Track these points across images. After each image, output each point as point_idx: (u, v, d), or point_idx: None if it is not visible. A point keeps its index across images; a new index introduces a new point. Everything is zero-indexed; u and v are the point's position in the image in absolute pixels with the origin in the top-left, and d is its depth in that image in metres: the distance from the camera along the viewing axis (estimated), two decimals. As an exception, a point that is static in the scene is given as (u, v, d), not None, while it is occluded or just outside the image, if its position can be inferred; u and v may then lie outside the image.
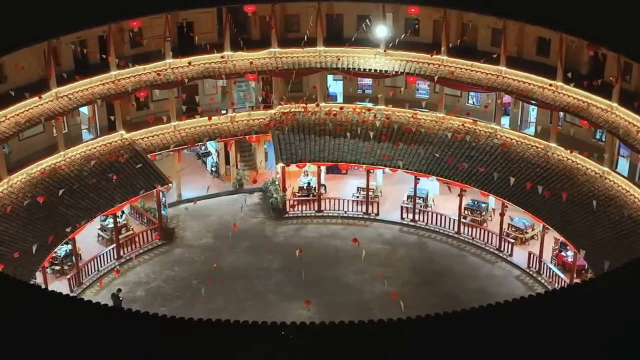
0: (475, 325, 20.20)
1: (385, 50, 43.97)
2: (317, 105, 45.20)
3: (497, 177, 39.37)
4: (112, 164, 40.90)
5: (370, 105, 45.47)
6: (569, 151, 39.65)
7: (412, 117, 44.19)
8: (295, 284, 39.24)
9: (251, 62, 43.91)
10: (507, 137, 42.25)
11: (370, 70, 43.79)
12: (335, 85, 47.71)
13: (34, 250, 34.05)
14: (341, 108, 45.18)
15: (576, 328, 19.82)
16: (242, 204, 44.88)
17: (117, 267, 39.92)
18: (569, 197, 37.97)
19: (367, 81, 46.40)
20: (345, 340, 19.69)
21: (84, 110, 43.87)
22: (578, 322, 20.12)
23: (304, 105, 45.08)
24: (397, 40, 44.19)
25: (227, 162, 47.45)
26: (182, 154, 46.73)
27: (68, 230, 36.80)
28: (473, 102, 45.04)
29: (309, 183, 45.26)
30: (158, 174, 41.42)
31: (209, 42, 44.03)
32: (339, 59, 44.30)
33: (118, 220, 42.10)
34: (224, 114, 44.93)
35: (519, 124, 43.76)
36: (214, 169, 48.04)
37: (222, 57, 43.85)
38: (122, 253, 41.07)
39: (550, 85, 39.85)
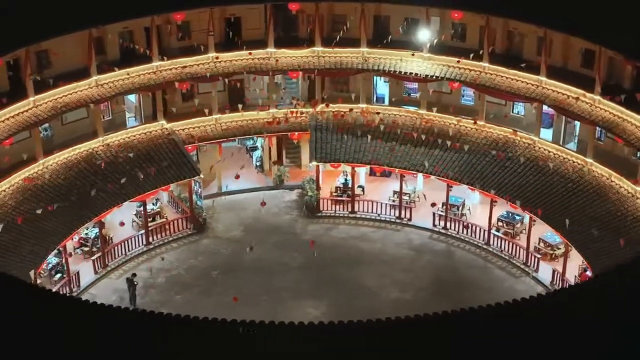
0: (474, 325, 20.26)
1: (427, 54, 43.38)
2: (365, 112, 44.89)
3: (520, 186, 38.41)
4: (148, 152, 41.98)
5: (413, 109, 44.98)
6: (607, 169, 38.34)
7: (454, 123, 43.49)
8: (312, 283, 39.49)
9: (294, 60, 44.17)
10: (544, 150, 41.05)
11: (411, 73, 43.31)
12: (384, 87, 47.41)
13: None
14: (377, 113, 44.89)
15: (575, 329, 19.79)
16: (281, 199, 45.52)
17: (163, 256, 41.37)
18: (596, 215, 36.76)
19: (414, 85, 45.89)
20: (342, 340, 19.88)
21: (132, 98, 45.31)
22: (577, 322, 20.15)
23: (347, 105, 45.00)
24: (442, 45, 43.61)
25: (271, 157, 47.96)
26: (232, 147, 47.72)
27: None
28: (518, 111, 43.90)
29: (344, 183, 45.18)
30: (191, 164, 42.25)
31: (256, 38, 44.66)
32: (381, 60, 44.02)
33: (152, 207, 43.29)
34: (266, 110, 45.28)
35: (561, 137, 42.36)
36: (258, 163, 48.60)
37: (265, 53, 44.28)
38: (151, 239, 42.09)
39: (584, 96, 38.46)
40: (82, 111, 41.58)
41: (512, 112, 43.96)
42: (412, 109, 45.10)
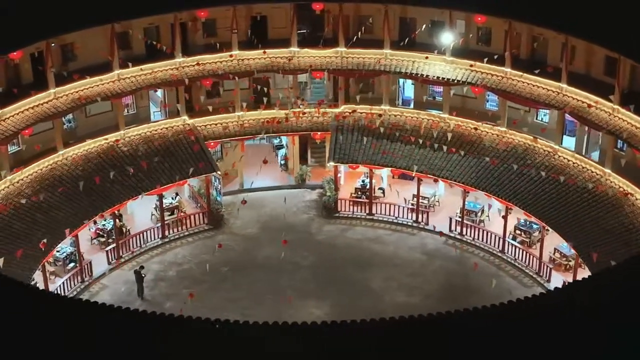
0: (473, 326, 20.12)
1: (450, 58, 42.96)
2: (387, 114, 44.74)
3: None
4: (168, 147, 42.54)
5: (436, 112, 44.59)
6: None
7: (474, 128, 43.03)
8: (319, 283, 39.54)
9: (316, 60, 44.23)
10: (564, 158, 40.27)
11: (433, 76, 42.93)
12: (411, 90, 47.12)
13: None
14: (401, 115, 44.72)
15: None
16: (301, 199, 45.79)
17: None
18: (608, 227, 35.97)
19: (439, 88, 45.47)
20: (332, 340, 19.99)
21: (159, 93, 45.98)
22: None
23: (371, 106, 44.90)
24: (467, 49, 43.18)
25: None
26: (259, 145, 48.11)
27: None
28: (541, 118, 43.13)
29: (363, 185, 45.04)
30: (210, 161, 42.65)
31: (282, 37, 44.84)
32: (404, 63, 43.74)
33: (171, 202, 43.88)
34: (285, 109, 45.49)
35: (584, 146, 41.45)
36: (282, 162, 48.80)
37: (289, 52, 44.44)
38: (167, 233, 42.64)
39: (602, 104, 37.62)
40: (107, 104, 42.32)
41: (536, 119, 43.20)
42: (435, 112, 44.66)
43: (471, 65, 42.36)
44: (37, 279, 36.74)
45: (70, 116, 42.29)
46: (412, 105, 46.46)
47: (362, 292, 38.80)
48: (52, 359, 18.73)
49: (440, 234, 41.88)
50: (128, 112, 44.24)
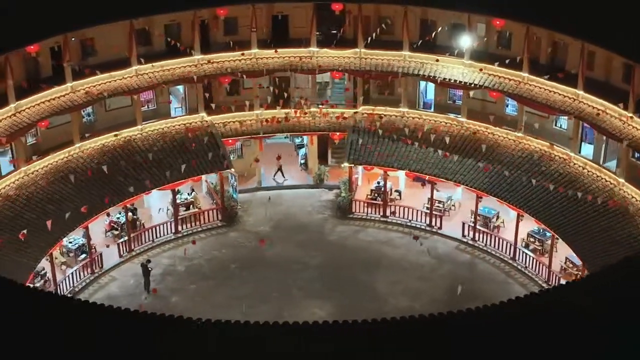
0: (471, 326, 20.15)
1: (469, 61, 42.54)
2: (405, 116, 44.51)
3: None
4: (184, 142, 42.92)
5: (454, 116, 44.18)
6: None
7: (491, 133, 42.56)
8: (324, 283, 39.55)
9: (335, 60, 44.23)
10: (578, 166, 39.57)
11: (449, 79, 42.56)
12: (432, 93, 46.76)
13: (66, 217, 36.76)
14: (418, 118, 44.44)
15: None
16: (318, 198, 46.05)
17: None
18: (618, 238, 35.28)
19: (459, 91, 44.98)
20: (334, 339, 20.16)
21: (180, 90, 46.45)
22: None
23: (388, 108, 44.74)
24: (487, 52, 42.72)
25: (318, 156, 48.08)
26: (281, 143, 48.34)
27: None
28: (560, 124, 42.40)
29: (378, 186, 44.83)
30: (225, 158, 42.91)
31: (303, 36, 44.92)
32: (422, 65, 43.44)
33: (187, 197, 44.30)
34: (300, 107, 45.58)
35: (602, 154, 40.60)
36: (302, 161, 48.87)
37: (307, 52, 44.51)
38: (180, 228, 43.06)
39: (615, 112, 36.91)
40: (126, 99, 42.92)
41: (555, 126, 42.51)
42: (452, 115, 44.25)
43: (487, 69, 41.87)
44: (47, 268, 37.67)
45: (89, 110, 43.03)
46: (432, 109, 46.03)
47: (366, 294, 38.66)
48: (52, 359, 18.85)
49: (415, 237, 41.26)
50: (148, 107, 44.77)
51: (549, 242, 40.47)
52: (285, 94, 45.31)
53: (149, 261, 39.37)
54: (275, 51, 44.04)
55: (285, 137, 48.55)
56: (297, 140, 49.87)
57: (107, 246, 40.99)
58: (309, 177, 47.95)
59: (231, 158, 47.32)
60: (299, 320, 20.10)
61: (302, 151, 49.39)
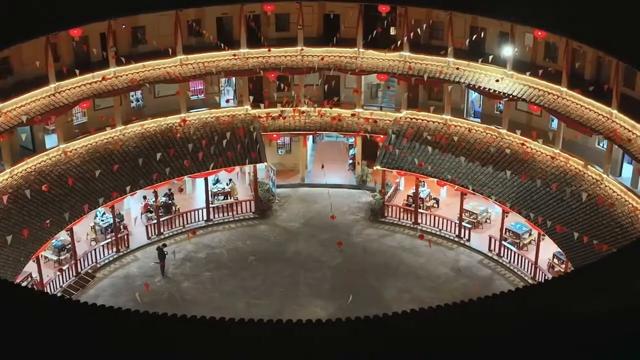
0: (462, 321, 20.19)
1: (511, 72, 41.30)
2: (447, 123, 43.87)
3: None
4: (223, 134, 43.79)
5: (494, 127, 43.00)
6: None
7: (527, 147, 41.22)
8: (334, 284, 39.51)
9: (379, 62, 43.99)
10: (610, 189, 37.70)
11: (488, 89, 41.47)
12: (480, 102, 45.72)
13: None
14: (461, 126, 43.57)
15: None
16: (356, 199, 45.95)
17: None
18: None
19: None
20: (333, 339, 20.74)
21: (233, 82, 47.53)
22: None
23: (431, 114, 44.10)
24: (532, 64, 41.34)
25: (365, 157, 47.92)
26: (335, 141, 48.65)
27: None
28: (602, 144, 40.47)
29: (414, 193, 44.21)
30: (259, 152, 43.49)
31: (352, 36, 44.91)
32: (466, 72, 42.47)
33: (224, 187, 45.25)
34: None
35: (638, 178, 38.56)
36: (350, 161, 48.81)
37: (354, 52, 44.47)
38: (212, 217, 44.05)
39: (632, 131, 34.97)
40: (174, 87, 44.21)
41: (597, 145, 40.64)
42: (494, 127, 43.06)
43: (529, 81, 40.60)
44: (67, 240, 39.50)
45: (139, 95, 44.72)
46: (480, 118, 44.93)
47: (372, 299, 38.25)
48: (52, 359, 18.99)
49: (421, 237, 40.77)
50: (198, 97, 46.02)
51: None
52: (334, 95, 45.45)
53: (165, 245, 40.53)
54: (302, 49, 44.35)
55: (338, 137, 48.63)
56: (350, 140, 49.80)
57: (145, 226, 42.58)
58: (354, 177, 47.86)
59: (279, 153, 48.16)
60: (294, 319, 19.86)
61: (352, 151, 49.31)
